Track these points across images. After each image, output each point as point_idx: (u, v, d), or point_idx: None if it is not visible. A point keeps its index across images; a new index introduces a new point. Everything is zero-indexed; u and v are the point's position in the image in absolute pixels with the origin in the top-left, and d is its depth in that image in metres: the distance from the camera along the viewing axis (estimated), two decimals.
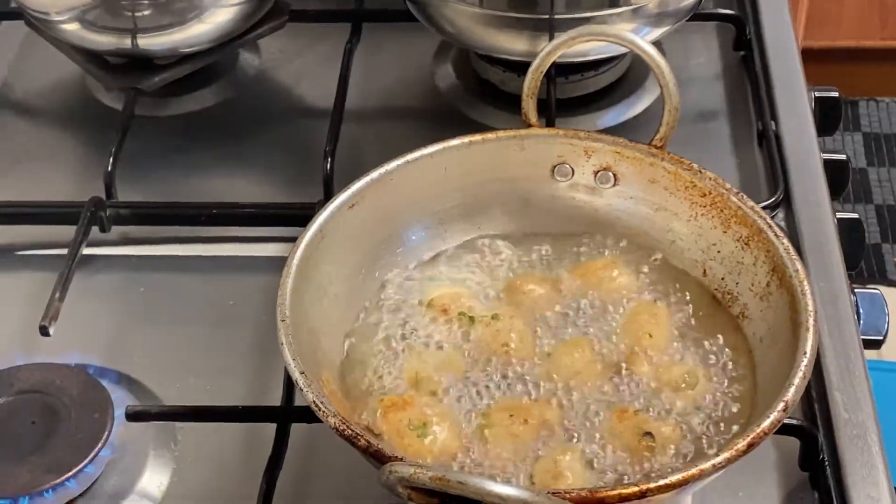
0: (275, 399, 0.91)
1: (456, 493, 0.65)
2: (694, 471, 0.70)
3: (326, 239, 0.86)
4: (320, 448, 0.90)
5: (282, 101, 1.23)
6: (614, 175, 0.92)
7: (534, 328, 0.86)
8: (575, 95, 1.18)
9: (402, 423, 0.79)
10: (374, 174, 0.90)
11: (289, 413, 0.89)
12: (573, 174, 0.93)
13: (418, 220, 0.92)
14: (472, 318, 0.86)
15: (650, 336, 0.84)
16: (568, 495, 0.69)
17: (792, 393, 0.74)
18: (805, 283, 0.81)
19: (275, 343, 0.78)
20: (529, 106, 0.94)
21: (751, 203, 0.87)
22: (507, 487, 0.65)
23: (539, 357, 0.84)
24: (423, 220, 0.92)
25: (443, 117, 1.20)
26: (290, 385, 0.90)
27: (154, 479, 0.89)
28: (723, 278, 0.88)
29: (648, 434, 0.77)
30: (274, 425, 0.89)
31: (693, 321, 0.86)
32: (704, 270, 0.89)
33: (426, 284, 0.90)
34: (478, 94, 1.20)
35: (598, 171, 0.93)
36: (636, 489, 0.69)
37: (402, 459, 0.71)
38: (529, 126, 0.94)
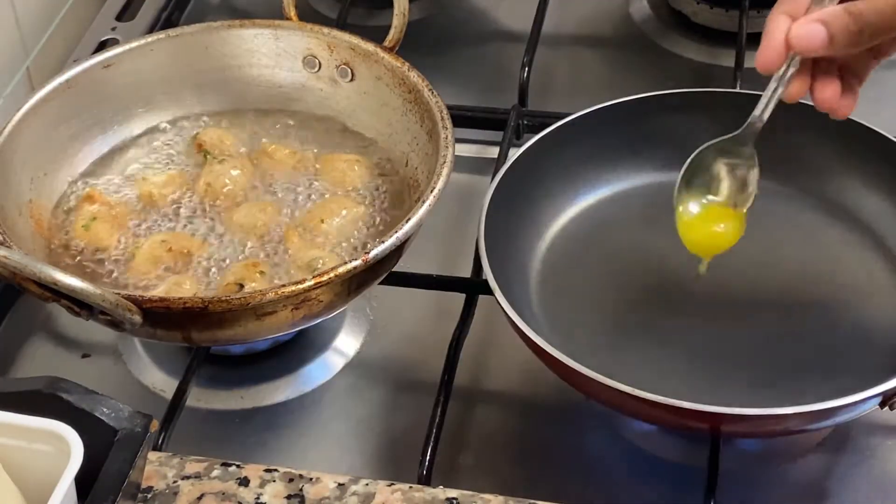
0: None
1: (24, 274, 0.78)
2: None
3: (73, 89, 0.99)
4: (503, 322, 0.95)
5: (480, 21, 1.30)
6: (352, 71, 1.01)
7: (250, 182, 0.98)
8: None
9: (82, 213, 0.95)
10: (134, 44, 1.01)
11: (477, 285, 0.96)
12: (320, 67, 1.02)
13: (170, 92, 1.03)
14: (207, 153, 0.99)
15: (322, 222, 0.93)
16: (144, 298, 0.81)
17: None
18: (445, 165, 0.89)
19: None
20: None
21: (437, 99, 0.95)
22: (75, 280, 0.78)
23: (227, 205, 0.96)
24: (175, 94, 1.03)
25: (635, 46, 1.26)
26: (478, 259, 0.96)
27: (349, 340, 0.96)
28: (416, 167, 0.96)
29: (240, 285, 0.88)
30: (462, 296, 0.95)
31: (378, 218, 0.95)
32: (407, 161, 0.98)
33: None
34: (670, 25, 1.26)
35: (340, 66, 1.02)
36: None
37: None
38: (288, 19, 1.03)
